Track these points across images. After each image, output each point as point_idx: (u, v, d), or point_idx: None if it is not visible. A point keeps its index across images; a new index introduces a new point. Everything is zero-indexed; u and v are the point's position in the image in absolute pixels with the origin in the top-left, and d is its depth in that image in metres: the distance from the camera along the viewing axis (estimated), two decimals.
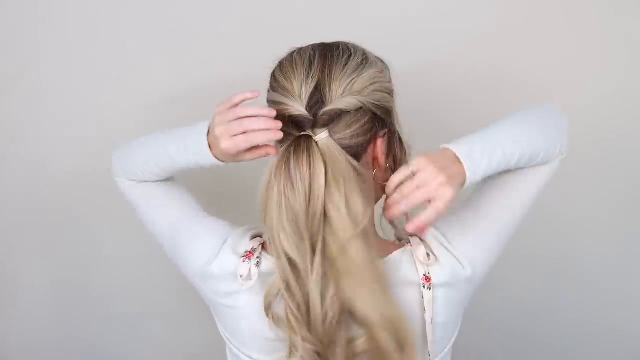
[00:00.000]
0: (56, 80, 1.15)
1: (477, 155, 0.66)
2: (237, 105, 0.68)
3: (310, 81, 0.65)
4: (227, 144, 0.65)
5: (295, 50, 0.70)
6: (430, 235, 0.71)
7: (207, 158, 0.70)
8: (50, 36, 1.12)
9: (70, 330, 1.37)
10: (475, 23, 1.13)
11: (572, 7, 1.13)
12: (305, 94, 0.65)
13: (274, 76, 0.70)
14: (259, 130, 0.65)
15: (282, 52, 0.72)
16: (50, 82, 1.15)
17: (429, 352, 0.70)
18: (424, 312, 0.68)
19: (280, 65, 0.69)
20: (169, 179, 0.83)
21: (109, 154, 0.88)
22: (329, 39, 0.72)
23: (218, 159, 0.69)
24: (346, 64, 0.66)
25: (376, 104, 0.67)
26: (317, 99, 0.64)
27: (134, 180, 0.83)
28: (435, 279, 0.68)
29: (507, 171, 0.74)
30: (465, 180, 0.65)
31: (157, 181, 0.82)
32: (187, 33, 1.13)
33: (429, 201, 0.63)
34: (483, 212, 0.73)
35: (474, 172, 0.65)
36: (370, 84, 0.66)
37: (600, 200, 1.29)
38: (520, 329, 1.42)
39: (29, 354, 1.38)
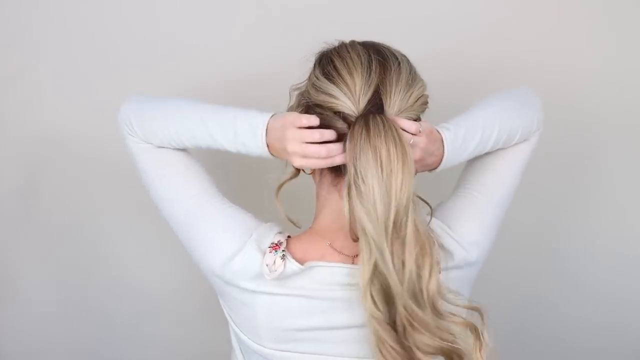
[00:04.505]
0: (56, 80, 1.15)
1: (459, 141, 0.72)
2: (304, 125, 0.67)
3: (370, 85, 0.67)
4: (300, 162, 0.68)
5: (345, 45, 0.72)
6: (434, 225, 0.74)
7: (260, 151, 0.70)
8: (50, 36, 1.12)
9: (71, 330, 1.37)
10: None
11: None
12: (364, 97, 0.67)
13: (333, 65, 0.69)
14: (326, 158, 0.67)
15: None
16: (50, 82, 1.15)
17: None
18: None
19: (340, 56, 0.70)
20: (186, 150, 0.79)
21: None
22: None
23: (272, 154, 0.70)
24: (400, 74, 0.69)
25: (419, 115, 0.72)
26: (373, 103, 0.67)
27: (151, 144, 0.77)
28: (443, 263, 0.71)
29: (489, 153, 0.80)
30: (438, 165, 0.72)
31: (176, 149, 0.77)
32: (187, 33, 1.13)
33: None
34: (477, 195, 0.77)
35: (450, 162, 0.72)
36: (419, 99, 0.71)
37: (598, 198, 1.29)
38: (516, 325, 1.43)
39: (29, 354, 1.38)
